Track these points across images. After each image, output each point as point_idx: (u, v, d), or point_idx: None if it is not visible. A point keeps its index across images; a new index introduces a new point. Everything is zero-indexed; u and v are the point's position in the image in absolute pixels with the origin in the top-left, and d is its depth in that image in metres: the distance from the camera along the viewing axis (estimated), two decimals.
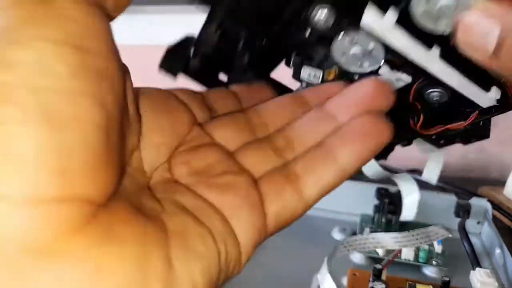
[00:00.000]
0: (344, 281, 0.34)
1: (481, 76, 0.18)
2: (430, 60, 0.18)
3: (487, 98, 0.19)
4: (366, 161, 0.18)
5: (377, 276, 0.31)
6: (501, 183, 0.45)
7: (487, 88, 0.19)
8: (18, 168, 0.10)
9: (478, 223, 0.42)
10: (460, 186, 0.47)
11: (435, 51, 0.17)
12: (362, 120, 0.18)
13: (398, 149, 0.29)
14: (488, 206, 0.41)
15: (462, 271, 0.35)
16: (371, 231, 0.40)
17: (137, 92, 0.17)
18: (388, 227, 0.42)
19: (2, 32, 0.11)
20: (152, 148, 0.17)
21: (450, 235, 0.31)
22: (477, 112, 0.20)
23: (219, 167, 0.17)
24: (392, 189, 0.43)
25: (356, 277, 0.33)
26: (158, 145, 0.17)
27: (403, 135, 0.23)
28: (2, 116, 0.10)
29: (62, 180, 0.11)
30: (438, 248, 0.38)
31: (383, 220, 0.42)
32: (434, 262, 0.37)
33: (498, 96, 0.19)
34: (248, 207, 0.16)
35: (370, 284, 0.30)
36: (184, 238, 0.14)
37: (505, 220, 0.41)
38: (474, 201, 0.42)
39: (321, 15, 0.18)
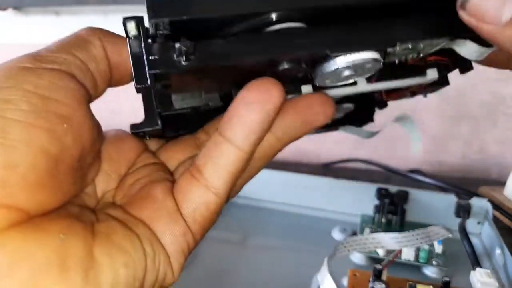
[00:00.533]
0: (345, 281, 0.34)
1: (410, 69, 0.21)
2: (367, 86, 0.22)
3: (429, 78, 0.22)
4: (260, 131, 0.17)
5: (377, 276, 0.31)
6: (502, 183, 0.45)
7: (422, 74, 0.22)
8: None
9: (479, 223, 0.42)
10: (461, 186, 0.47)
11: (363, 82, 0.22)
12: (244, 92, 0.17)
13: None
14: (489, 206, 0.41)
15: (462, 271, 0.35)
16: (372, 231, 0.40)
17: (104, 135, 0.21)
18: (389, 227, 0.42)
19: None
20: (103, 175, 0.20)
21: (450, 235, 0.30)
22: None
23: (143, 180, 0.19)
24: (392, 189, 0.43)
25: (357, 277, 0.33)
26: (108, 172, 0.20)
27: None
28: None
29: (0, 191, 0.14)
30: (438, 248, 0.38)
31: (383, 220, 0.42)
32: (434, 262, 0.37)
33: (436, 75, 0.22)
34: (165, 216, 0.18)
35: (371, 285, 0.30)
36: (109, 236, 0.16)
37: (506, 220, 0.41)
38: (475, 201, 0.41)
39: None
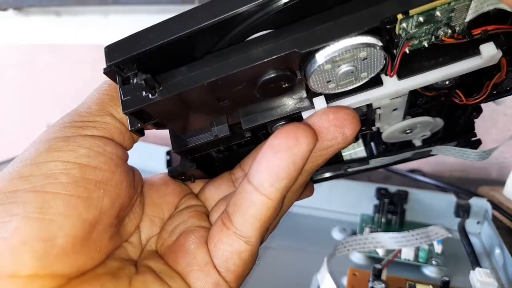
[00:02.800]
0: (344, 281, 0.34)
1: (456, 49, 0.16)
2: (404, 85, 0.17)
3: (486, 57, 0.16)
4: (288, 179, 0.17)
5: (377, 276, 0.31)
6: (501, 183, 0.45)
7: (473, 53, 0.16)
8: (7, 249, 0.15)
9: (478, 223, 0.42)
10: (460, 186, 0.47)
11: (392, 81, 0.17)
12: (272, 138, 0.17)
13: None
14: (488, 206, 0.41)
15: (462, 271, 0.35)
16: (371, 231, 0.40)
17: (143, 182, 0.21)
18: (388, 227, 0.42)
19: (31, 157, 0.17)
20: (147, 221, 0.21)
21: (450, 235, 0.31)
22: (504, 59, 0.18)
23: (181, 227, 0.20)
24: (391, 189, 0.43)
25: (356, 277, 0.33)
26: (151, 218, 0.21)
27: (461, 116, 0.23)
28: (8, 211, 0.15)
29: (39, 263, 0.15)
30: (438, 248, 0.38)
31: (383, 220, 0.42)
32: (434, 262, 0.37)
33: (495, 50, 0.16)
34: (197, 269, 0.18)
35: (370, 284, 0.30)
36: None
37: (505, 220, 0.41)
38: (474, 201, 0.42)
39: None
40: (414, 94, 0.21)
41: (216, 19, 0.14)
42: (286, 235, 0.42)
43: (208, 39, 0.15)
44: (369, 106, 0.20)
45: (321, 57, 0.15)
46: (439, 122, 0.25)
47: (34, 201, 0.15)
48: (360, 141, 0.28)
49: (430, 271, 0.37)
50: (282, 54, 0.15)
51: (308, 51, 0.15)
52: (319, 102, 0.18)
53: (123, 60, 0.15)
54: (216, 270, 0.18)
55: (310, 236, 0.43)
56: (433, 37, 0.16)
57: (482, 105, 0.23)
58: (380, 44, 0.15)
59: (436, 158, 0.28)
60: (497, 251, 0.37)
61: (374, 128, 0.25)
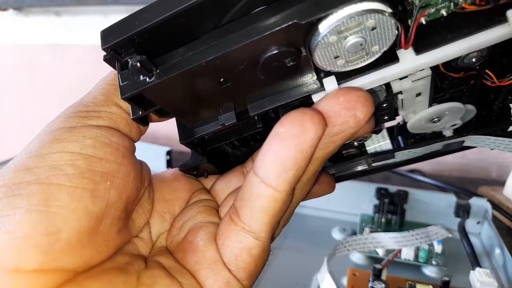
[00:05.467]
0: (344, 281, 0.34)
1: (477, 19, 0.14)
2: (425, 58, 0.15)
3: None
4: (296, 170, 0.15)
5: (377, 276, 0.31)
6: (501, 183, 0.45)
7: (500, 21, 0.14)
8: (10, 243, 0.14)
9: (478, 223, 0.42)
10: (460, 186, 0.47)
11: (409, 55, 0.15)
12: (278, 126, 0.15)
13: None
14: (488, 206, 0.41)
15: (462, 271, 0.35)
16: (371, 231, 0.40)
17: (151, 176, 0.21)
18: (388, 227, 0.42)
19: (36, 149, 0.16)
20: (157, 217, 0.20)
21: (450, 235, 0.31)
22: None
23: (190, 223, 0.19)
24: (391, 189, 0.43)
25: (356, 277, 0.33)
26: (161, 214, 0.20)
27: (491, 101, 0.21)
28: (12, 204, 0.15)
29: (44, 257, 0.15)
30: (438, 248, 0.38)
31: (383, 220, 0.42)
32: (434, 262, 0.37)
33: None
34: (206, 267, 0.17)
35: (370, 284, 0.30)
36: (152, 285, 0.17)
37: (505, 220, 0.41)
38: (474, 201, 0.42)
39: None
40: (439, 77, 0.19)
41: None
42: (286, 235, 0.42)
43: (207, 17, 0.14)
44: (389, 91, 0.18)
45: (324, 27, 0.13)
46: (470, 109, 0.22)
47: (38, 193, 0.15)
48: (386, 134, 0.26)
49: (430, 271, 0.37)
50: (283, 26, 0.13)
51: (310, 21, 0.13)
52: (330, 83, 0.16)
53: (119, 42, 0.14)
54: (226, 268, 0.17)
55: (310, 236, 0.43)
56: (452, 4, 0.14)
57: None
58: (390, 10, 0.13)
59: (436, 158, 0.28)
60: (497, 251, 0.37)
61: (398, 118, 0.22)
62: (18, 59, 0.81)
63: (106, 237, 0.17)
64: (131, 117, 0.17)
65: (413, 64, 0.15)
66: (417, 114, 0.21)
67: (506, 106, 0.22)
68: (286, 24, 0.13)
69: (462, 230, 0.38)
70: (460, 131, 0.24)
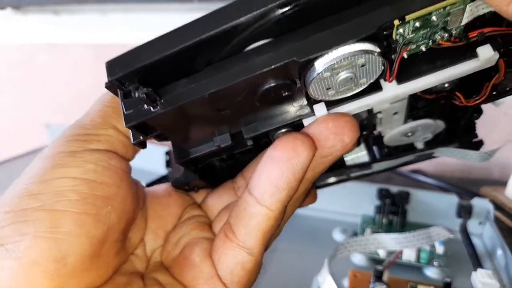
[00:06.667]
0: (345, 282, 0.34)
1: (453, 53, 0.16)
2: (399, 88, 0.17)
3: (483, 59, 0.16)
4: (289, 190, 0.17)
5: (378, 277, 0.31)
6: (503, 183, 0.45)
7: (471, 56, 0.16)
8: (20, 269, 0.15)
9: (480, 223, 0.42)
10: (462, 186, 0.47)
11: (391, 86, 0.17)
12: (271, 149, 0.17)
13: None
14: (490, 206, 0.41)
15: (463, 272, 0.35)
16: (372, 232, 0.40)
17: (145, 194, 0.21)
18: (389, 228, 0.41)
19: (39, 174, 0.16)
20: (151, 233, 0.21)
21: (451, 236, 0.30)
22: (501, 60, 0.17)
23: (185, 239, 0.20)
24: (393, 189, 0.43)
25: (357, 278, 0.33)
26: (155, 230, 0.21)
27: (462, 117, 0.23)
28: (19, 230, 0.15)
29: (52, 283, 0.15)
30: (439, 249, 0.38)
31: (384, 220, 0.42)
32: (435, 263, 0.37)
33: (492, 52, 0.16)
34: (203, 283, 0.18)
35: (371, 286, 0.30)
36: None
37: (507, 220, 0.41)
38: (476, 202, 0.41)
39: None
40: (414, 98, 0.21)
41: (215, 31, 0.14)
42: (286, 236, 0.42)
43: (207, 51, 0.15)
44: (369, 111, 0.20)
45: (320, 65, 0.15)
46: (440, 124, 0.25)
47: (44, 220, 0.15)
48: (363, 145, 0.28)
49: (431, 272, 0.37)
50: (282, 63, 0.15)
51: (307, 60, 0.15)
52: (320, 109, 0.18)
53: (124, 75, 0.15)
54: (221, 283, 0.18)
55: (311, 237, 0.43)
56: (430, 41, 0.16)
57: (483, 106, 0.23)
58: (378, 50, 0.15)
59: (438, 158, 0.28)
60: (499, 252, 0.37)
61: (375, 132, 0.25)
62: (16, 58, 0.81)
63: (107, 259, 0.17)
64: (132, 142, 0.18)
65: (395, 93, 0.17)
66: (393, 130, 0.24)
67: (472, 122, 0.25)
68: (285, 62, 0.15)
69: (464, 231, 0.38)
70: (430, 143, 0.27)
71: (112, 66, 0.15)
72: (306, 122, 0.18)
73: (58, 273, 0.15)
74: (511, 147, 0.52)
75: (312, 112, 0.18)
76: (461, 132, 0.26)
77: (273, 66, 0.15)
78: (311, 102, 0.18)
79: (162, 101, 0.16)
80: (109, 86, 0.16)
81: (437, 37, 0.16)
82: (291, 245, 0.41)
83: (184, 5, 0.64)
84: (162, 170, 0.55)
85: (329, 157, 0.17)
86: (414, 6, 0.14)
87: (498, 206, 0.41)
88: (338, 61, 0.15)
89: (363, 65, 0.15)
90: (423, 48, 0.16)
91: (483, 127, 0.26)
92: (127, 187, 0.18)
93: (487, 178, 0.54)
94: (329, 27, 0.15)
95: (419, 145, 0.27)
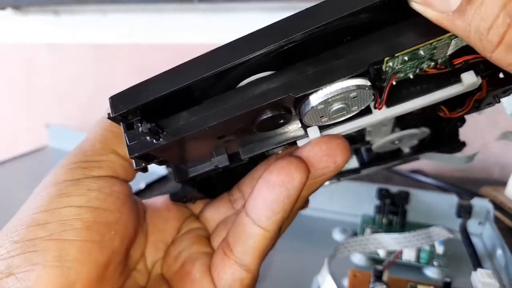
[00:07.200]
0: (345, 282, 0.34)
1: (440, 77, 0.18)
2: (391, 111, 0.18)
3: (467, 84, 0.18)
4: (284, 211, 0.18)
5: (378, 277, 0.31)
6: (503, 183, 0.45)
7: (455, 81, 0.18)
8: None
9: (480, 223, 0.42)
10: (462, 186, 0.47)
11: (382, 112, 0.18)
12: (267, 174, 0.18)
13: None
14: (490, 206, 0.41)
15: (463, 272, 0.35)
16: (372, 232, 0.40)
17: (145, 209, 0.22)
18: (389, 228, 0.41)
19: (45, 204, 0.17)
20: (151, 247, 0.22)
21: (451, 236, 0.30)
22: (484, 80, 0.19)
23: (185, 253, 0.21)
24: (393, 189, 0.43)
25: (357, 278, 0.33)
26: (156, 243, 0.22)
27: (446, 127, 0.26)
28: (29, 260, 0.16)
29: None
30: (439, 249, 0.38)
31: (384, 220, 0.42)
32: (435, 263, 0.37)
33: (475, 78, 0.17)
34: None
35: (371, 285, 0.30)
36: None
37: (507, 220, 0.41)
38: (476, 202, 0.41)
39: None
40: None
41: (214, 71, 0.15)
42: (286, 236, 0.42)
43: (206, 85, 0.16)
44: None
45: (314, 99, 0.16)
46: (425, 131, 0.26)
47: (52, 250, 0.16)
48: (352, 151, 0.30)
49: (431, 272, 0.37)
50: (279, 98, 0.16)
51: (302, 95, 0.16)
52: (313, 132, 0.19)
53: (127, 111, 0.16)
54: None
55: (311, 237, 0.43)
56: (418, 69, 0.17)
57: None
58: (369, 84, 0.16)
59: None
60: (499, 252, 0.37)
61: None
62: (16, 58, 0.81)
63: (112, 281, 0.18)
64: (135, 168, 0.18)
65: (384, 115, 0.19)
66: (382, 139, 0.26)
67: (456, 129, 0.28)
68: (281, 97, 0.16)
69: (464, 230, 0.38)
70: (416, 148, 0.29)
71: (115, 102, 0.16)
72: (300, 143, 0.19)
73: None
74: (511, 147, 0.52)
75: (306, 134, 0.19)
76: (445, 138, 0.28)
77: (270, 101, 0.16)
78: (305, 125, 0.19)
79: (165, 133, 0.17)
80: (112, 119, 0.17)
81: (424, 66, 0.17)
82: (291, 244, 0.41)
83: (184, 5, 0.64)
84: (162, 170, 0.55)
85: (322, 177, 0.18)
86: (404, 45, 0.15)
87: (498, 206, 0.41)
88: (331, 96, 0.16)
89: (355, 97, 0.17)
90: (410, 76, 0.17)
91: (465, 130, 0.28)
92: (129, 210, 0.19)
93: (487, 178, 0.54)
94: (323, 63, 0.16)
95: (406, 150, 0.29)
